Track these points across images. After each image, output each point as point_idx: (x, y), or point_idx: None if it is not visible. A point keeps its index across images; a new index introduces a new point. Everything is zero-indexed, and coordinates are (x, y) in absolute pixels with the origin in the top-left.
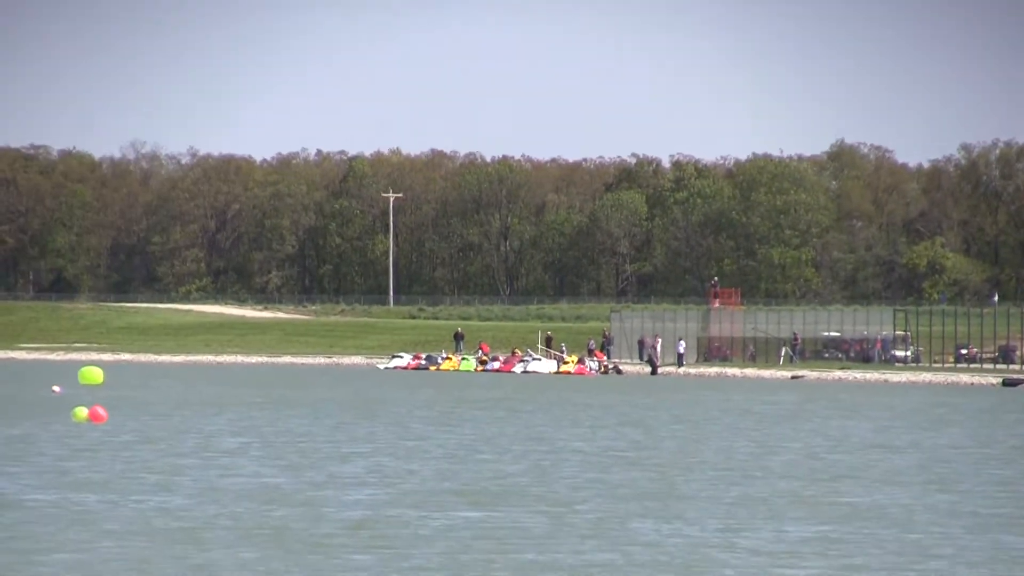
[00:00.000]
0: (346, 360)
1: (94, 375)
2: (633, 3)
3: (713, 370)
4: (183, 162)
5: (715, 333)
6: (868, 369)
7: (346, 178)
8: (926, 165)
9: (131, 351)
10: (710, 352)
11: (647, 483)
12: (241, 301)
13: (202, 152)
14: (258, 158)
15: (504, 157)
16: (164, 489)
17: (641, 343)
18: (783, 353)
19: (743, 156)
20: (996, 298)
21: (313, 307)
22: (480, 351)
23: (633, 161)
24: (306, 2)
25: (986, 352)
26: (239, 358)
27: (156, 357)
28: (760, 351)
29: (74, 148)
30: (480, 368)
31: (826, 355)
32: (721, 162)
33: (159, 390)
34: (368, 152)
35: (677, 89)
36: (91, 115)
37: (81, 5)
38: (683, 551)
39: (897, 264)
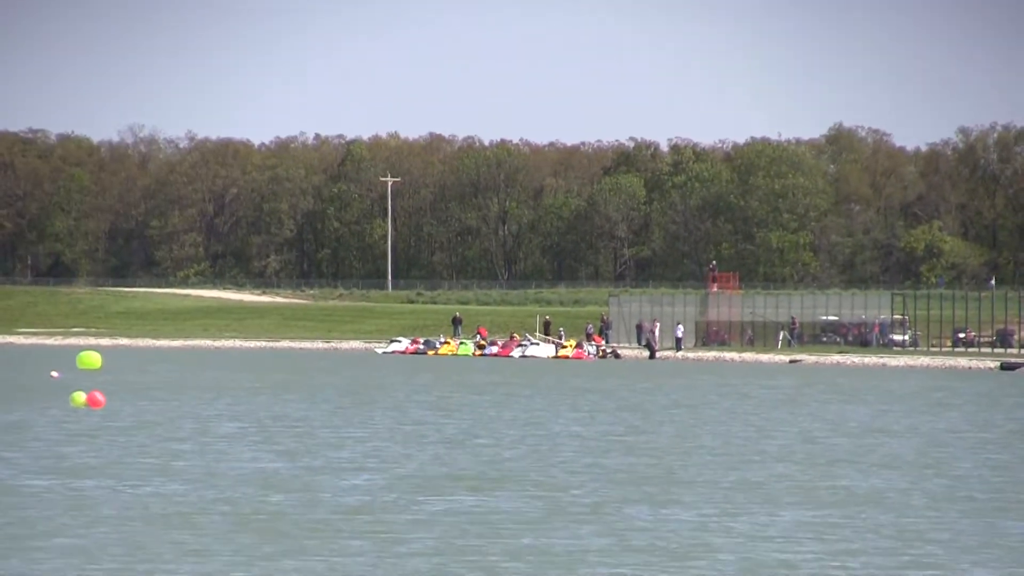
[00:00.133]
0: (344, 345)
1: (92, 360)
2: None
3: (711, 354)
4: (181, 146)
5: (713, 317)
6: (866, 353)
7: (344, 162)
8: (924, 149)
9: (129, 336)
10: (708, 336)
11: (645, 468)
12: (239, 285)
13: (200, 136)
14: (256, 142)
15: (502, 141)
16: (161, 474)
17: (639, 327)
18: (781, 337)
19: (741, 140)
20: (994, 282)
21: (311, 291)
22: (478, 335)
23: (631, 145)
24: None
25: (984, 336)
26: (237, 343)
27: (154, 342)
28: (758, 335)
29: (72, 132)
30: (478, 353)
31: (824, 339)
32: (719, 146)
33: (157, 375)
34: (366, 136)
35: (675, 73)
36: (89, 99)
37: None
38: (680, 536)
39: (895, 248)
